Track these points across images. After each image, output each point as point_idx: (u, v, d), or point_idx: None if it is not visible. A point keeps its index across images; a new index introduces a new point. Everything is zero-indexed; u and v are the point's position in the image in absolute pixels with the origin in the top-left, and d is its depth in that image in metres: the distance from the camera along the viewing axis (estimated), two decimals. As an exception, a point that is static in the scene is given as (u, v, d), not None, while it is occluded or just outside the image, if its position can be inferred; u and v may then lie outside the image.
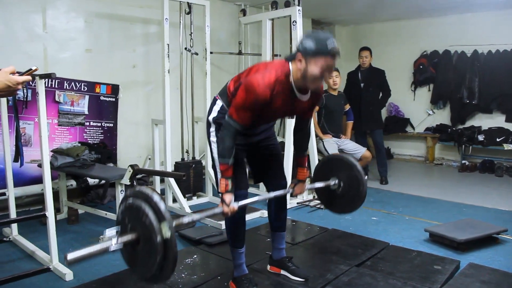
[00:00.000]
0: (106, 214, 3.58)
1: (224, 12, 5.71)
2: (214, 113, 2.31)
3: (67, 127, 4.33)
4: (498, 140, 6.10)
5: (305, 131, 2.51)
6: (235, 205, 2.13)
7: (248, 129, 2.24)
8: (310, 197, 4.47)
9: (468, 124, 6.58)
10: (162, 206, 1.73)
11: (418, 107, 7.14)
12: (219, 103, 2.31)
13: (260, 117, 2.17)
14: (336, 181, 2.68)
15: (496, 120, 6.35)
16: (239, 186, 2.28)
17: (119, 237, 1.76)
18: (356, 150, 4.93)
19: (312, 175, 2.89)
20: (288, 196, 2.96)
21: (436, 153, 7.05)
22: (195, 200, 4.46)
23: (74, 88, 4.33)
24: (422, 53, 6.94)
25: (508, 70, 6.04)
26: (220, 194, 2.17)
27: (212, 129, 2.32)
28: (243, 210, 2.35)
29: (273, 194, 2.38)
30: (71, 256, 1.58)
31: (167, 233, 1.70)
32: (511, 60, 6.03)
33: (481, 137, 6.21)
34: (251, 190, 4.68)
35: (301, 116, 2.43)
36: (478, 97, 6.28)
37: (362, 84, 5.44)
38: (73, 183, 4.10)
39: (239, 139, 2.22)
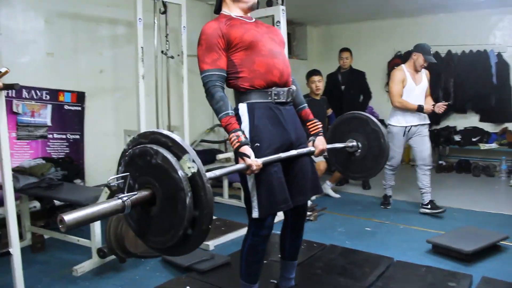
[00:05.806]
0: (78, 240, 3.13)
1: (195, 12, 5.35)
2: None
3: (28, 141, 3.84)
4: (473, 140, 6.12)
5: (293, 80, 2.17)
6: (258, 160, 1.78)
7: (267, 86, 1.96)
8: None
9: (443, 124, 6.56)
10: (176, 137, 1.36)
11: (392, 108, 7.04)
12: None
13: (253, 53, 1.94)
14: (354, 143, 2.44)
15: (470, 120, 6.36)
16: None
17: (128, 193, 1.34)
18: None
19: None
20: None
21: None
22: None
23: (35, 97, 3.86)
24: (396, 53, 6.86)
25: (481, 71, 6.04)
26: (235, 152, 1.81)
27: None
28: (267, 238, 2.02)
29: (295, 151, 1.97)
30: (68, 218, 1.20)
31: (192, 167, 1.30)
32: (484, 60, 6.04)
33: (457, 137, 6.21)
34: (233, 202, 4.38)
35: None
36: (454, 97, 6.26)
37: (343, 87, 5.26)
38: (36, 204, 3.64)
39: (271, 137, 1.91)
